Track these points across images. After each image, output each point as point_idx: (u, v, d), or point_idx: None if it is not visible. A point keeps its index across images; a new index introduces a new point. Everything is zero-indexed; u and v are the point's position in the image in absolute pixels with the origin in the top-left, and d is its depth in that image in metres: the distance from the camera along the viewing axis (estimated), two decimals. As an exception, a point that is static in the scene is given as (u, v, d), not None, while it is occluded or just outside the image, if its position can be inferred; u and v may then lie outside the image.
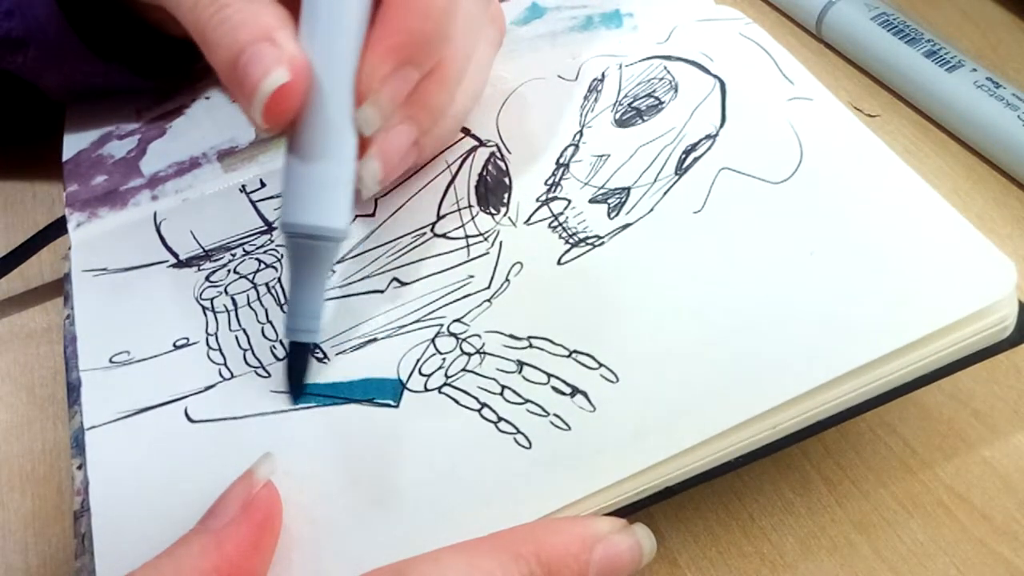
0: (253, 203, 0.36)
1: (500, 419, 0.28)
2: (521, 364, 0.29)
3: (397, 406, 0.29)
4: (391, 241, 0.33)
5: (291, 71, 0.27)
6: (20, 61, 0.37)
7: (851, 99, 0.43)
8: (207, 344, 0.32)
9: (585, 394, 0.28)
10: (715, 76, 0.36)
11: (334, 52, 0.29)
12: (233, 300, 0.33)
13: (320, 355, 0.31)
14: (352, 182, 0.29)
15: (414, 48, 0.29)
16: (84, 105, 0.41)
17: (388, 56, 0.29)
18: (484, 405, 0.28)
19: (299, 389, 0.30)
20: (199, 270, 0.34)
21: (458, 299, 0.31)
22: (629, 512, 0.27)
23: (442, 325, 0.31)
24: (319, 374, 0.30)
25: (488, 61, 0.35)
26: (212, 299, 0.33)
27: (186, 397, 0.30)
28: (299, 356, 0.30)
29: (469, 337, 0.30)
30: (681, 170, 0.33)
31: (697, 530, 0.31)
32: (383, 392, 0.29)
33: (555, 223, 0.32)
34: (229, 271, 0.34)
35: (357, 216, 0.34)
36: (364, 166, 0.30)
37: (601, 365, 0.28)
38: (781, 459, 0.32)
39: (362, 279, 0.32)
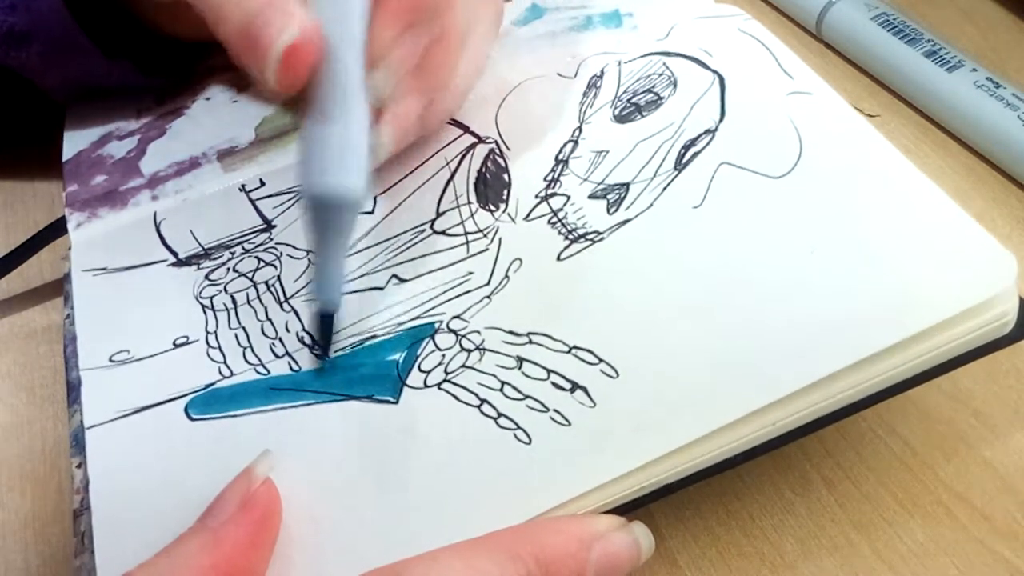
0: (252, 202, 0.36)
1: (500, 415, 0.28)
2: (521, 360, 0.29)
3: (397, 403, 0.29)
4: (390, 238, 0.33)
5: (301, 30, 0.28)
6: (24, 57, 0.37)
7: (851, 99, 0.43)
8: (207, 342, 0.32)
9: (585, 389, 0.28)
10: (714, 71, 0.36)
11: (343, 18, 0.29)
12: (232, 298, 0.33)
13: (319, 352, 0.31)
14: (367, 146, 0.30)
15: (419, 11, 0.31)
16: (84, 105, 0.41)
17: (396, 19, 0.30)
18: (484, 401, 0.28)
19: (325, 353, 0.30)
20: (199, 268, 0.34)
21: (457, 296, 0.31)
22: (629, 510, 0.27)
23: (441, 322, 0.31)
24: (318, 371, 0.30)
25: (487, 37, 0.36)
26: (212, 297, 0.33)
27: (186, 395, 0.30)
28: (322, 325, 0.30)
29: (469, 333, 0.30)
30: (680, 165, 0.33)
31: (697, 530, 0.31)
32: (383, 389, 0.29)
33: (554, 219, 0.33)
34: (228, 269, 0.34)
35: (355, 214, 0.34)
36: (379, 132, 0.31)
37: (601, 361, 0.28)
38: (781, 459, 0.32)
39: (361, 276, 0.32)
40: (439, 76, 0.33)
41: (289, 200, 0.35)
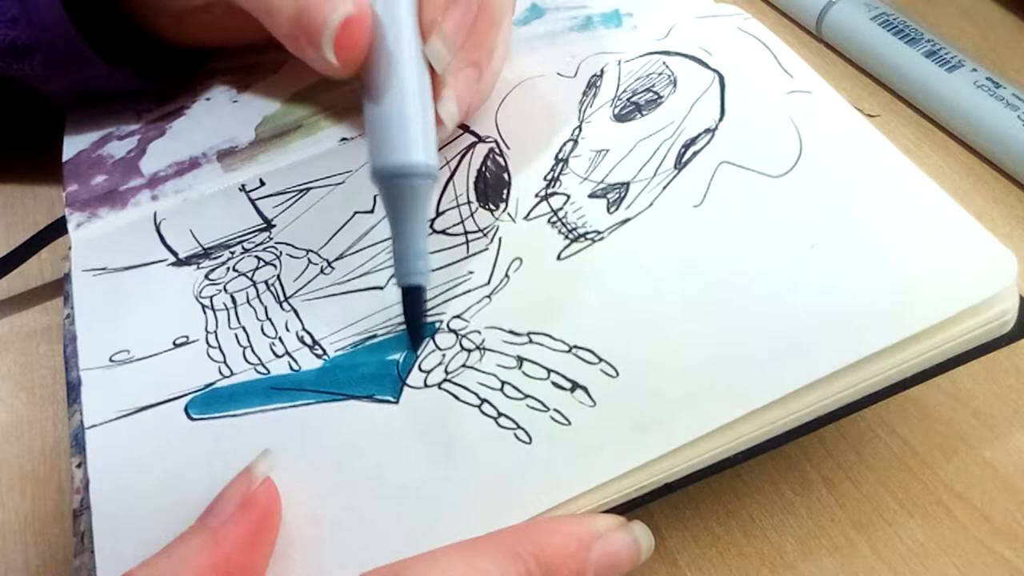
0: (252, 202, 0.36)
1: (500, 414, 0.28)
2: (521, 360, 0.29)
3: (397, 402, 0.29)
4: (390, 237, 0.33)
5: (354, 4, 0.29)
6: (27, 68, 0.37)
7: (851, 99, 0.43)
8: (207, 342, 0.32)
9: (585, 389, 0.28)
10: (714, 70, 0.36)
11: None
12: (232, 298, 0.33)
13: (319, 352, 0.31)
14: (432, 119, 0.30)
15: None
16: (85, 107, 0.41)
17: None
18: (484, 401, 0.28)
19: (419, 336, 0.29)
20: (198, 268, 0.34)
21: (457, 295, 0.31)
22: (628, 510, 0.27)
23: (441, 321, 0.31)
24: (318, 371, 0.30)
25: (511, 25, 0.36)
26: (212, 297, 0.33)
27: (186, 395, 0.30)
28: (413, 301, 0.29)
29: (469, 333, 0.30)
30: (680, 164, 0.33)
31: (697, 530, 0.30)
32: (383, 389, 0.29)
33: (554, 218, 0.32)
34: (228, 269, 0.34)
35: (355, 213, 0.34)
36: (442, 106, 0.31)
37: (601, 360, 0.28)
38: (781, 459, 0.32)
39: (361, 276, 0.32)
40: (487, 48, 0.33)
41: (289, 199, 0.35)
